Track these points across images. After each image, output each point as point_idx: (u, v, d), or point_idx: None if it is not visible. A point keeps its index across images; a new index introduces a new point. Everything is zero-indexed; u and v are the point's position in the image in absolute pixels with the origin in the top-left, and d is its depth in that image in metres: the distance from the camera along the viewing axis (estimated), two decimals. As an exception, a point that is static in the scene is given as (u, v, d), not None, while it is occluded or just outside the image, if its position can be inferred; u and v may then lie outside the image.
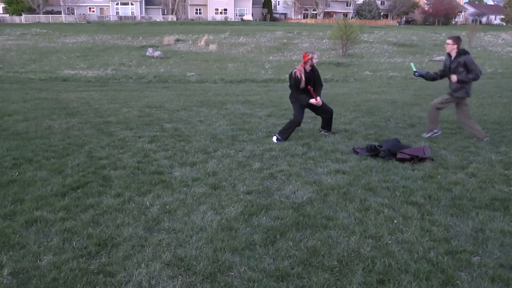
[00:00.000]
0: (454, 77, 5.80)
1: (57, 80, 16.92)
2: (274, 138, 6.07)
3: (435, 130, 6.32)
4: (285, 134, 6.11)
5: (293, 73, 6.02)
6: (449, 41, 5.90)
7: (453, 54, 5.88)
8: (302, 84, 5.97)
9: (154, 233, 3.26)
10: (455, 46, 5.83)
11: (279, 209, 3.69)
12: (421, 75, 6.24)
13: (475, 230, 3.31)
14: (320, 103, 6.12)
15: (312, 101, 6.06)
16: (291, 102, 6.35)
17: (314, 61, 5.99)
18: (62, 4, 63.05)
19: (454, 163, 5.03)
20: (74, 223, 3.39)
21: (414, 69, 6.31)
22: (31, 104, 9.14)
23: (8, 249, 2.99)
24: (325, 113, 6.39)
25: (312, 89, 6.03)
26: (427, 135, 6.29)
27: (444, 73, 6.11)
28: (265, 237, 3.17)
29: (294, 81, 6.02)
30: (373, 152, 5.26)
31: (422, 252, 2.99)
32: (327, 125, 6.50)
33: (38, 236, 3.17)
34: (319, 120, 6.91)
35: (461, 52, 5.81)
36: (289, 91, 6.33)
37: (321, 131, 6.55)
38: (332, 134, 6.43)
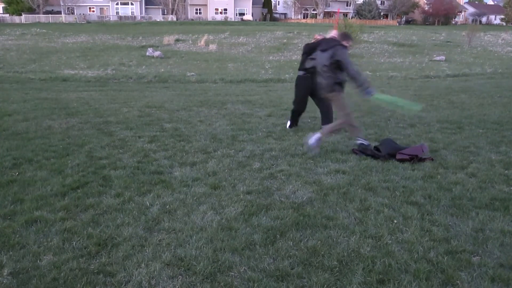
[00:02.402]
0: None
1: (57, 80, 16.90)
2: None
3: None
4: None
5: None
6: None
7: None
8: None
9: (154, 233, 3.26)
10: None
11: (279, 209, 3.69)
12: None
13: (475, 230, 3.32)
14: None
15: None
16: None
17: None
18: (62, 4, 63.10)
19: (454, 163, 5.03)
20: (74, 223, 3.39)
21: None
22: (31, 104, 9.14)
23: (8, 249, 2.99)
24: (324, 106, 6.48)
25: None
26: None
27: None
28: (265, 237, 3.17)
29: None
30: (372, 155, 5.25)
31: (422, 252, 2.99)
32: (327, 118, 6.46)
33: (38, 236, 3.17)
34: (319, 120, 6.91)
35: None
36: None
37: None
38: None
